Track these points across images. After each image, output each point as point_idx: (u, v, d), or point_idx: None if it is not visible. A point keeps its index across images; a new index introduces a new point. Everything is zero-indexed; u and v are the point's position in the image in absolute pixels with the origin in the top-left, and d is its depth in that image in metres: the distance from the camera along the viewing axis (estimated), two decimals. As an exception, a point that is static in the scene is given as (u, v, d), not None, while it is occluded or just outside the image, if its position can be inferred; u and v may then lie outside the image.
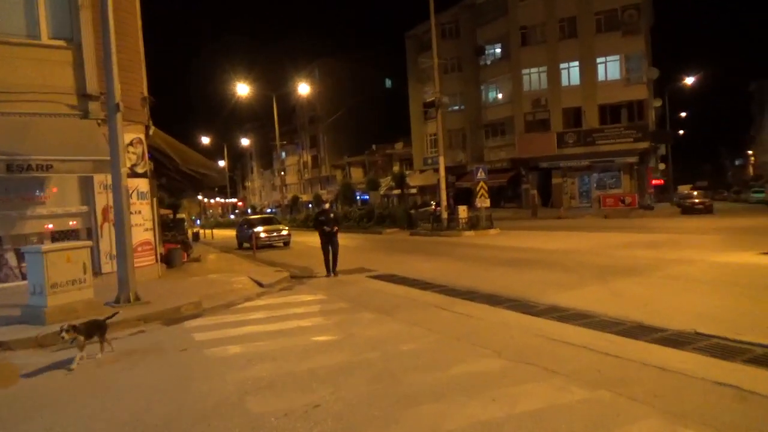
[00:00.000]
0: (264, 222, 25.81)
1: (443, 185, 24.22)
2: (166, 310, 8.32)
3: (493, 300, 8.33)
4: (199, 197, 61.67)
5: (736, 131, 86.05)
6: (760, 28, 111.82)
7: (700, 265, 10.58)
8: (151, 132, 11.67)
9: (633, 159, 34.44)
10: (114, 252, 10.77)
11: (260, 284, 11.30)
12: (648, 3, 35.21)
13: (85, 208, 11.01)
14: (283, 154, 70.56)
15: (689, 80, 39.84)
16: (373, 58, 65.90)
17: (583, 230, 21.76)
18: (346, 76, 66.17)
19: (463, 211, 22.88)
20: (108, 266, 10.86)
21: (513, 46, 38.07)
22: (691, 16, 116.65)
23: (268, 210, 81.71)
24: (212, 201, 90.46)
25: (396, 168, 55.49)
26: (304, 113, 75.92)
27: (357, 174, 65.04)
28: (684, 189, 44.71)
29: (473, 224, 22.49)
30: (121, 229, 8.52)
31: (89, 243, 8.36)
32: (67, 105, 10.42)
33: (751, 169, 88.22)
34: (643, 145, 34.08)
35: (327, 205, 15.46)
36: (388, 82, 73.68)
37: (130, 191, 10.07)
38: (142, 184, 11.46)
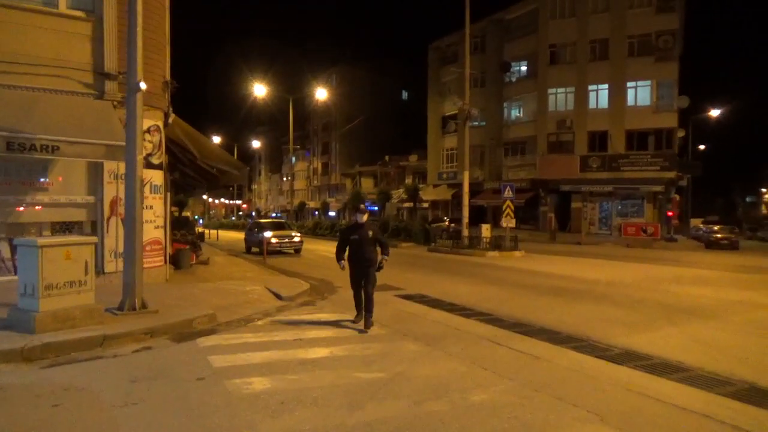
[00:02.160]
0: (275, 226, 24.69)
1: (466, 201, 23.09)
2: (177, 323, 7.17)
3: (554, 337, 7.18)
4: (204, 197, 60.64)
5: (752, 168, 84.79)
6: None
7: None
8: (170, 120, 10.59)
9: (659, 188, 33.28)
10: (120, 250, 9.67)
11: (279, 296, 10.15)
12: (680, 30, 34.23)
13: (91, 198, 9.89)
14: (293, 159, 69.62)
15: (714, 112, 38.76)
16: (391, 68, 65.16)
17: (610, 259, 20.60)
18: (363, 84, 65.39)
19: (486, 230, 21.74)
20: (111, 265, 9.72)
21: (541, 64, 37.10)
22: (719, 48, 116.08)
23: (273, 214, 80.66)
24: (217, 201, 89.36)
25: (409, 180, 54.48)
26: (318, 119, 75.14)
27: (367, 184, 63.99)
28: (696, 223, 43.49)
29: (497, 245, 21.32)
30: (132, 225, 7.40)
31: (94, 239, 7.22)
32: (82, 82, 9.35)
33: (764, 208, 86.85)
34: (670, 174, 32.93)
35: (364, 217, 8.11)
36: (405, 94, 73.02)
37: (144, 183, 8.96)
38: (157, 177, 10.34)
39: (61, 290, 6.32)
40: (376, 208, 56.16)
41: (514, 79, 40.05)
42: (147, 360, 5.89)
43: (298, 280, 12.43)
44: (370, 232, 7.73)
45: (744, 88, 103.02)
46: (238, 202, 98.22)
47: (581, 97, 35.52)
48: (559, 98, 36.44)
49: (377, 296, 11.08)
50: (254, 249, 23.83)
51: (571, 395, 4.86)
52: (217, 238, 38.83)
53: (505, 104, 40.30)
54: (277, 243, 22.32)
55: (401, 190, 51.11)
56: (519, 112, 40.01)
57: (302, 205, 70.46)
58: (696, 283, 13.44)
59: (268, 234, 22.19)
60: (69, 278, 6.41)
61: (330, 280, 13.37)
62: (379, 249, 8.02)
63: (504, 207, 21.31)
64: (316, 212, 71.89)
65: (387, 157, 59.74)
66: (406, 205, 47.31)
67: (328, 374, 5.43)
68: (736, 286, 12.79)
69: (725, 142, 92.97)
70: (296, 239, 23.13)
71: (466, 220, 22.98)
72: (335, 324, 8.05)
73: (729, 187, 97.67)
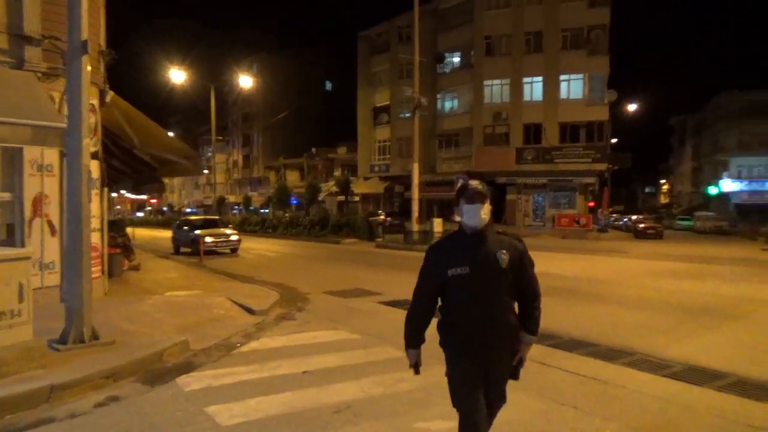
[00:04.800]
0: (208, 224, 22.49)
1: (416, 195, 22.13)
2: (144, 358, 5.50)
3: (595, 351, 6.25)
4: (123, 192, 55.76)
5: (653, 161, 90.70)
6: (686, 65, 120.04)
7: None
8: (108, 99, 8.63)
9: (591, 179, 34.12)
10: (46, 260, 7.71)
11: (249, 310, 8.56)
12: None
13: (6, 195, 7.78)
14: (209, 151, 65.80)
15: (632, 107, 40.33)
16: (317, 57, 63.11)
17: (559, 251, 20.51)
18: (286, 74, 62.69)
19: (438, 224, 20.88)
20: (36, 280, 7.70)
21: (477, 55, 36.81)
22: (630, 46, 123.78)
23: (188, 210, 76.14)
24: (129, 196, 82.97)
25: (338, 173, 52.88)
26: (237, 109, 71.46)
27: (293, 177, 61.68)
28: (600, 213, 45.65)
29: (450, 239, 20.50)
30: (77, 230, 5.61)
31: (29, 251, 5.39)
32: (-9, 47, 7.25)
33: (661, 197, 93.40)
34: (601, 166, 33.82)
35: (484, 212, 2.80)
36: (329, 84, 71.09)
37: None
38: (93, 168, 8.37)
39: (-15, 326, 4.51)
40: (296, 201, 54.07)
41: (448, 70, 39.58)
42: (120, 420, 4.26)
43: (262, 288, 10.82)
44: (504, 255, 2.78)
45: (652, 86, 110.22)
46: (144, 196, 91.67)
47: (516, 90, 35.64)
48: (495, 90, 36.38)
49: (354, 302, 9.85)
50: (184, 249, 21.62)
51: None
52: (133, 236, 35.48)
53: (438, 95, 39.73)
54: (212, 242, 20.24)
55: (331, 183, 49.50)
56: (453, 104, 39.61)
57: (222, 199, 66.76)
58: (676, 276, 13.31)
59: (202, 233, 20.08)
60: (-4, 308, 4.61)
61: (290, 284, 11.88)
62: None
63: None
64: (237, 207, 68.53)
65: (314, 149, 57.80)
66: (339, 198, 45.78)
67: (382, 427, 4.11)
68: (718, 279, 12.71)
69: (628, 136, 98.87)
70: (234, 238, 21.14)
71: (416, 214, 22.03)
72: (337, 345, 6.66)
73: (630, 179, 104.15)
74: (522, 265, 2.86)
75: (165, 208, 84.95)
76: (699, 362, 5.81)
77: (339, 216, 30.14)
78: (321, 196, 49.23)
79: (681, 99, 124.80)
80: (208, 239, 19.94)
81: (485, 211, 2.81)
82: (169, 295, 9.69)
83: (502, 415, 4.15)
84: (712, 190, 52.91)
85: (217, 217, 26.69)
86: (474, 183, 2.88)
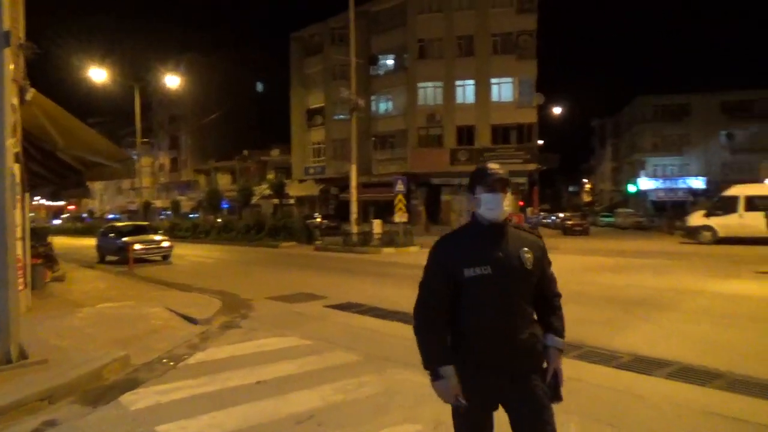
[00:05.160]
0: (136, 231, 21.37)
1: (354, 197, 22.02)
2: (82, 377, 5.07)
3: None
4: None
5: (576, 161, 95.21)
6: (607, 70, 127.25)
7: (707, 296, 9.64)
8: (29, 96, 7.93)
9: (522, 179, 35.28)
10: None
11: (191, 320, 8.15)
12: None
13: None
14: (135, 154, 62.73)
15: (557, 110, 42.15)
16: (247, 58, 61.75)
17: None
18: (214, 75, 60.95)
19: (378, 225, 20.86)
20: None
21: (410, 58, 37.24)
22: (556, 51, 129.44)
23: (110, 216, 72.37)
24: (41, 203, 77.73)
25: (271, 176, 51.88)
26: (164, 110, 68.56)
27: (224, 180, 59.99)
28: (529, 211, 47.71)
29: (389, 241, 20.54)
30: (2, 238, 5.10)
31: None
32: None
33: (584, 196, 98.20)
34: (531, 166, 35.05)
35: (506, 203, 2.35)
36: (260, 86, 69.68)
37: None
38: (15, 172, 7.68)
39: None
40: (227, 205, 52.59)
41: (382, 72, 39.77)
42: (62, 448, 3.89)
43: (202, 296, 10.36)
44: (527, 253, 2.33)
45: (576, 90, 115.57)
46: (61, 202, 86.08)
47: (449, 92, 36.34)
48: (428, 92, 36.92)
49: (302, 307, 9.62)
50: (110, 258, 20.45)
51: (641, 427, 4.00)
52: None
53: (373, 97, 39.84)
54: (142, 250, 19.24)
55: (264, 186, 48.51)
56: (388, 106, 39.85)
57: (147, 204, 63.82)
58: (609, 270, 13.88)
59: (130, 240, 19.05)
60: None
61: (231, 291, 11.45)
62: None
63: (396, 201, 20.62)
64: (165, 212, 65.77)
65: (246, 152, 56.47)
66: (274, 201, 44.92)
67: (351, 436, 3.98)
68: (646, 272, 13.31)
69: (553, 137, 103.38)
70: (165, 245, 20.20)
71: (354, 216, 21.92)
72: (289, 352, 6.44)
73: (555, 179, 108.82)
74: (544, 265, 2.43)
75: (85, 215, 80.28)
76: (643, 352, 6.03)
77: (275, 219, 29.49)
78: (254, 200, 48.13)
79: (602, 102, 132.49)
80: (137, 246, 18.93)
81: (509, 202, 2.34)
82: (102, 307, 9.06)
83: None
84: (631, 188, 56.16)
85: (146, 223, 25.44)
86: (494, 167, 2.38)
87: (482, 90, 35.70)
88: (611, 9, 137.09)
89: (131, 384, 5.25)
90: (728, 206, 20.92)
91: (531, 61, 34.66)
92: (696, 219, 22.33)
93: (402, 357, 6.08)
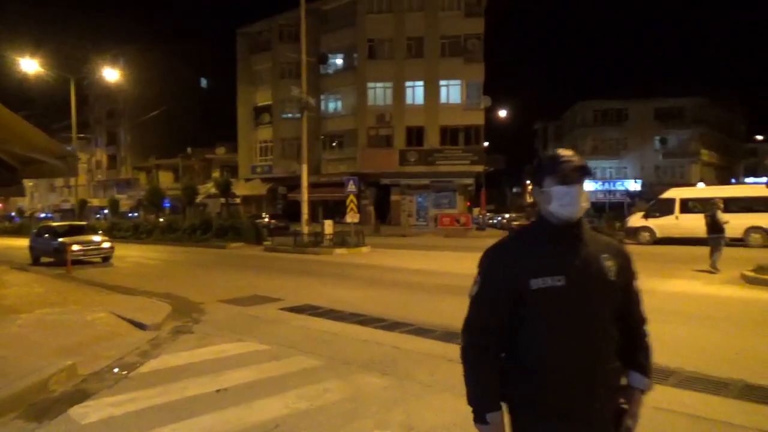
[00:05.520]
0: (73, 231, 20.30)
1: (305, 197, 21.73)
2: (26, 389, 4.72)
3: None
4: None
5: (520, 163, 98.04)
6: (550, 75, 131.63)
7: (658, 295, 9.98)
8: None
9: (469, 181, 35.89)
10: None
11: (140, 325, 7.77)
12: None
13: None
14: (70, 149, 59.66)
15: (502, 113, 43.16)
16: (189, 54, 59.97)
17: (449, 249, 21.26)
18: (156, 69, 58.82)
19: (329, 226, 20.66)
20: None
21: (360, 58, 37.15)
22: (503, 55, 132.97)
23: (42, 215, 68.70)
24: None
25: (217, 174, 50.57)
26: (101, 105, 65.56)
27: (166, 178, 58.03)
28: (476, 211, 48.95)
29: (341, 241, 20.39)
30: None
31: None
32: None
33: (527, 197, 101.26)
34: (479, 168, 35.69)
35: (583, 199, 1.84)
36: (204, 82, 67.86)
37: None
38: (-58, 169, 7.09)
39: None
40: (168, 204, 50.86)
41: (331, 71, 39.51)
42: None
43: (150, 300, 9.91)
44: (609, 262, 1.88)
45: (516, 93, 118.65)
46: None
47: (399, 93, 36.51)
48: (378, 93, 36.97)
49: (256, 310, 9.39)
50: (46, 259, 19.39)
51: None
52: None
53: (322, 96, 39.52)
54: (80, 251, 18.31)
55: (210, 185, 47.23)
56: (338, 105, 39.63)
57: (83, 203, 60.87)
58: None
59: (68, 240, 18.09)
60: None
61: (180, 294, 11.05)
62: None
63: (348, 201, 20.49)
64: (102, 211, 62.93)
65: (190, 149, 54.85)
66: (221, 201, 43.79)
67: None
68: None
69: (499, 139, 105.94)
70: (106, 245, 19.27)
71: (305, 216, 21.62)
72: (248, 358, 6.23)
73: (500, 180, 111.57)
74: (629, 278, 1.95)
75: (13, 214, 75.82)
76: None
77: (222, 219, 28.71)
78: (199, 199, 46.76)
79: (545, 106, 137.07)
80: (75, 247, 18.00)
81: (586, 197, 1.86)
82: (42, 312, 8.50)
83: (433, 419, 4.10)
84: (573, 190, 58.08)
85: (84, 223, 24.24)
86: (567, 152, 1.87)
87: (431, 92, 36.06)
88: (555, 17, 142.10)
89: (80, 396, 4.93)
90: (665, 208, 21.95)
91: (478, 65, 35.30)
92: (635, 221, 23.32)
93: (364, 360, 6.02)
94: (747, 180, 54.54)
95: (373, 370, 5.69)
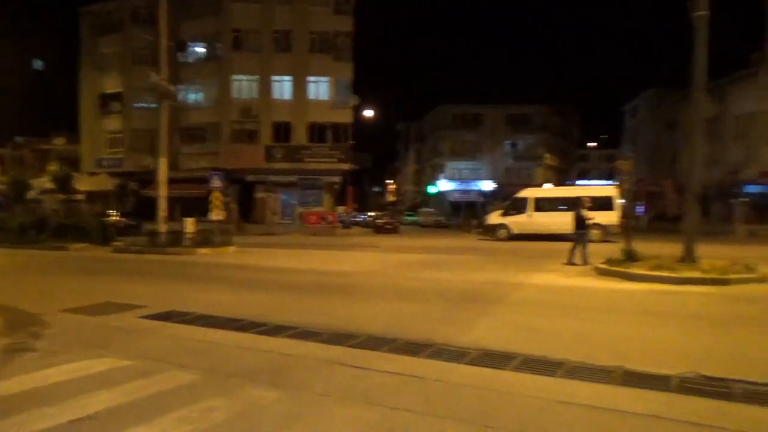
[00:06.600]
0: None
1: (163, 192, 19.94)
2: None
3: (397, 347, 6.19)
4: None
5: (382, 162, 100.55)
6: (414, 79, 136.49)
7: (531, 289, 10.56)
8: None
9: (336, 178, 35.80)
10: None
11: (-38, 345, 6.35)
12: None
13: None
14: None
15: (368, 112, 43.84)
16: (19, 31, 53.00)
17: (319, 248, 21.07)
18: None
19: (191, 224, 19.18)
20: None
21: (224, 48, 35.28)
22: (372, 55, 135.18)
23: None
24: None
25: (54, 167, 45.00)
26: None
27: (-10, 171, 50.47)
28: (341, 209, 49.61)
29: (205, 240, 19.03)
30: None
31: None
32: None
33: (388, 196, 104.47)
34: (346, 166, 35.75)
35: None
36: (40, 64, 60.30)
37: None
38: None
39: None
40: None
41: (191, 60, 37.06)
42: None
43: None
44: None
45: (381, 93, 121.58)
46: None
47: (265, 87, 35.34)
48: (244, 86, 35.44)
49: (109, 319, 8.24)
50: None
51: (516, 423, 4.04)
52: None
53: (181, 86, 36.86)
54: None
55: (45, 179, 41.96)
56: (199, 97, 37.29)
57: None
58: (429, 267, 14.51)
59: None
60: None
61: (10, 305, 9.28)
62: None
63: (212, 198, 19.22)
64: None
65: (20, 138, 48.32)
66: (60, 197, 39.01)
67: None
68: (463, 267, 14.21)
69: (363, 138, 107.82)
70: None
71: (163, 213, 19.87)
72: (109, 378, 5.30)
73: (362, 179, 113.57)
74: None
75: None
76: (489, 346, 6.20)
77: (62, 217, 25.42)
78: (32, 194, 41.30)
79: (407, 108, 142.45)
80: None
81: None
82: None
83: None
84: (432, 190, 60.99)
85: None
86: None
87: (299, 87, 35.41)
88: (421, 23, 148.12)
89: None
90: (520, 207, 23.64)
91: (347, 63, 35.35)
92: (493, 218, 24.83)
93: (250, 371, 5.43)
94: (578, 182, 61.18)
95: (262, 381, 5.12)
